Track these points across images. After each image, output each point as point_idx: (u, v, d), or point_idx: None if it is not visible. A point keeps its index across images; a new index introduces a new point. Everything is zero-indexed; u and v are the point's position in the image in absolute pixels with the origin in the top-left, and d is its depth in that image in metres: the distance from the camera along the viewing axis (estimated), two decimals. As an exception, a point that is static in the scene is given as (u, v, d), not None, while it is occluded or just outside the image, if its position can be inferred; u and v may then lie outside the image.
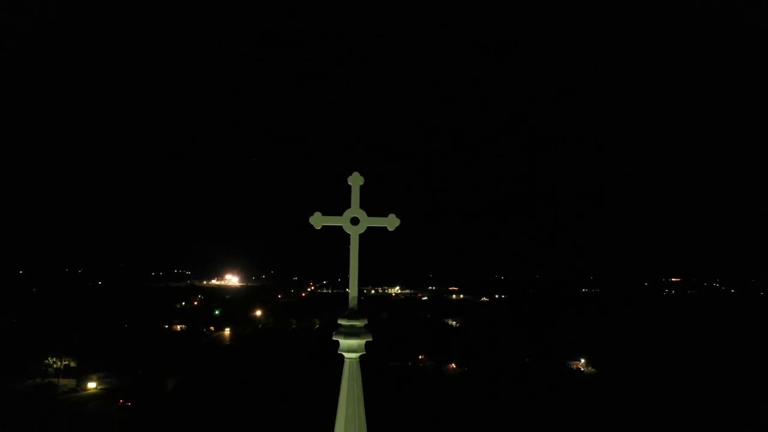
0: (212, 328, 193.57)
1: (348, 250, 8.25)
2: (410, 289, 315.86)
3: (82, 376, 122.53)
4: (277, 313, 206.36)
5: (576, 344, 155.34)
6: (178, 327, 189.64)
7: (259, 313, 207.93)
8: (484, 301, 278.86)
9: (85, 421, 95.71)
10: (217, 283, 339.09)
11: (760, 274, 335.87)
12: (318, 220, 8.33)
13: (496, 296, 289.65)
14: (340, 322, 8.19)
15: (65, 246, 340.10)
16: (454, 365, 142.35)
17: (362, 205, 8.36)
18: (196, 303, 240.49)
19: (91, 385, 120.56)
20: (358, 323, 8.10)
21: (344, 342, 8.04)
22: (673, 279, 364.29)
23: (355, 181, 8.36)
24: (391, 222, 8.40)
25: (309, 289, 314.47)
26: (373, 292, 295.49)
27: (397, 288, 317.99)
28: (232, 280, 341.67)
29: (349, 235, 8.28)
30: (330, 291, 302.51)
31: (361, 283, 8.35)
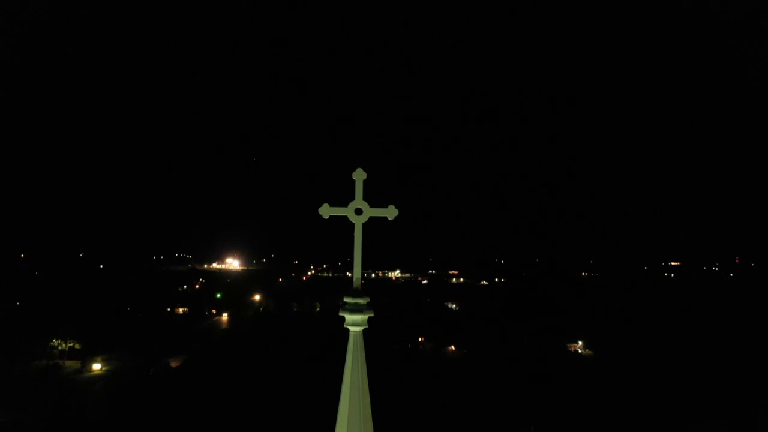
0: (214, 311, 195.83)
1: (352, 237, 9.36)
2: (410, 273, 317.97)
3: (87, 358, 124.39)
4: (278, 296, 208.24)
5: (574, 327, 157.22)
6: (181, 310, 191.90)
7: (259, 297, 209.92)
8: (483, 284, 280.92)
9: (91, 401, 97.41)
10: (218, 267, 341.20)
11: (760, 259, 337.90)
12: (326, 211, 9.48)
13: (496, 280, 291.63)
14: (346, 300, 9.33)
15: (65, 230, 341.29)
16: (453, 348, 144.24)
17: (364, 198, 9.48)
18: (197, 287, 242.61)
19: (96, 366, 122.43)
20: (361, 301, 9.23)
21: (349, 317, 9.18)
22: (672, 263, 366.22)
23: (359, 176, 9.47)
24: (391, 212, 9.54)
25: (310, 273, 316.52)
26: (373, 275, 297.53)
27: (398, 272, 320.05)
28: (232, 264, 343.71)
29: (353, 223, 9.41)
30: (331, 275, 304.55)
31: (363, 267, 9.49)
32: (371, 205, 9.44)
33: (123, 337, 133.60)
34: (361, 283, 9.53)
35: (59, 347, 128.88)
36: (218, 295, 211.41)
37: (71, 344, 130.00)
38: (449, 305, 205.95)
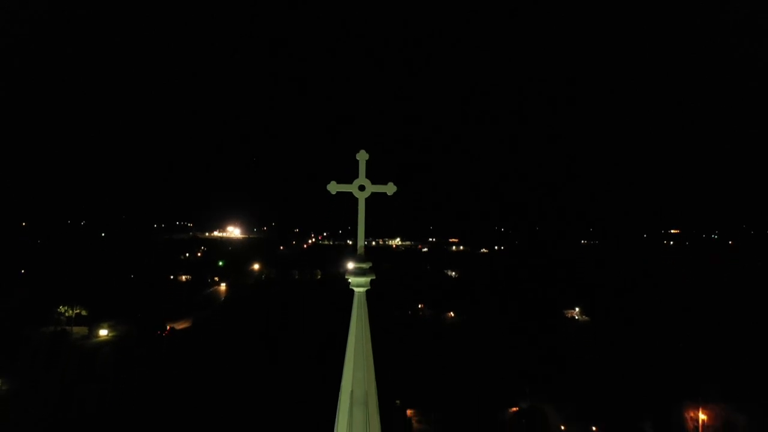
0: (217, 278, 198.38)
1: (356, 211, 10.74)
2: (411, 241, 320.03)
3: (93, 324, 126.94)
4: (279, 264, 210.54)
5: (572, 294, 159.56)
6: (184, 278, 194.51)
7: (261, 264, 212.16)
8: (483, 252, 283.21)
9: (98, 366, 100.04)
10: (219, 235, 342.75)
11: (759, 227, 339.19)
12: (333, 187, 10.86)
13: (495, 248, 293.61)
14: (351, 264, 10.74)
15: (66, 198, 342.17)
16: (452, 314, 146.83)
17: (367, 175, 10.83)
18: (199, 255, 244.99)
19: (103, 332, 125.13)
20: (364, 265, 10.64)
21: (354, 279, 10.61)
22: (672, 231, 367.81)
23: (362, 156, 10.83)
24: (390, 189, 10.94)
25: (311, 241, 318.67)
26: (374, 243, 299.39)
27: (398, 240, 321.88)
28: (234, 232, 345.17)
29: (357, 198, 10.78)
30: (331, 243, 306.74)
31: (364, 236, 10.90)
32: (373, 182, 10.80)
33: (128, 304, 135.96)
34: (364, 250, 10.93)
35: (66, 314, 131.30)
36: (220, 263, 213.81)
37: (78, 311, 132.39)
38: (449, 273, 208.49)
